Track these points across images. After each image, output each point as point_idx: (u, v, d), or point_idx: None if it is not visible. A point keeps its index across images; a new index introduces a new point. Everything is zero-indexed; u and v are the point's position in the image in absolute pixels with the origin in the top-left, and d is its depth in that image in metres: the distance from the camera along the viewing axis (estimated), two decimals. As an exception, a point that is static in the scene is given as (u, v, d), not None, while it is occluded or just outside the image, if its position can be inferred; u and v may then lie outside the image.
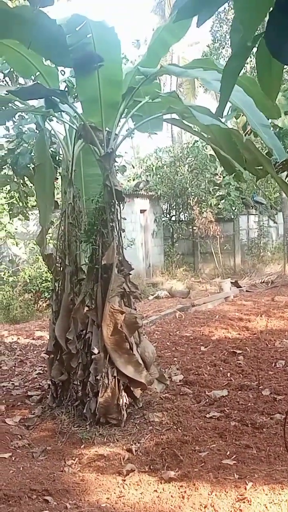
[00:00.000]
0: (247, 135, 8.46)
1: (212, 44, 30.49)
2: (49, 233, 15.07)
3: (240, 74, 2.45)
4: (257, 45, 2.14)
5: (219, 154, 6.61)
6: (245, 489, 4.59)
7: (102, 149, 6.44)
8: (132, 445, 5.73)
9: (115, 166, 6.73)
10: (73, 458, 5.50)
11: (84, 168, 7.60)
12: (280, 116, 6.74)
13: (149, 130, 7.81)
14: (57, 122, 7.55)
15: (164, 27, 6.29)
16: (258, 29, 1.99)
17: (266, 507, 4.25)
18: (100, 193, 6.50)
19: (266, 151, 7.84)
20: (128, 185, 22.69)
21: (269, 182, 23.90)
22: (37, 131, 7.70)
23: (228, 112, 7.98)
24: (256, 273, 21.31)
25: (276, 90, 2.59)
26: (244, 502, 4.37)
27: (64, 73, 8.01)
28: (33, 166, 8.13)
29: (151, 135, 8.23)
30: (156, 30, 6.44)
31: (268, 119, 5.78)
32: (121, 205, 6.50)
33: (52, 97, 6.22)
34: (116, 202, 6.39)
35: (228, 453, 5.38)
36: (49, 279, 15.91)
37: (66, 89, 7.68)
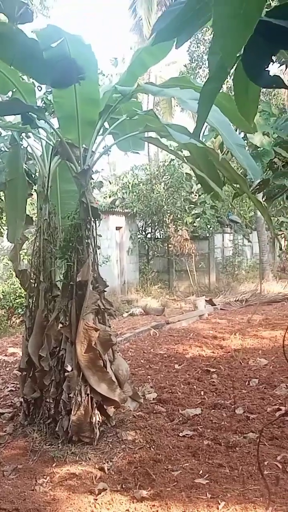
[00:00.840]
0: (224, 154, 8.55)
1: (189, 64, 30.86)
2: (24, 249, 15.02)
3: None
4: (234, 68, 2.16)
5: (196, 173, 6.66)
6: (218, 508, 4.57)
7: (79, 165, 6.44)
8: (104, 463, 5.67)
9: (91, 183, 6.73)
10: (45, 476, 5.43)
11: (60, 184, 7.59)
12: (257, 131, 6.82)
13: (130, 149, 7.83)
14: (34, 139, 7.54)
15: (144, 48, 6.36)
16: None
17: (238, 527, 4.24)
18: (76, 209, 6.48)
19: (241, 171, 7.92)
20: (104, 202, 22.73)
21: (244, 201, 24.11)
22: (10, 146, 7.67)
23: (204, 132, 8.05)
24: (231, 291, 21.40)
25: (253, 112, 2.62)
26: (216, 522, 4.35)
27: (41, 89, 8.02)
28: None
29: (133, 153, 8.26)
30: (136, 51, 6.51)
31: (245, 139, 5.86)
32: (97, 222, 6.50)
33: (29, 113, 6.22)
34: (92, 219, 6.39)
35: (201, 472, 5.36)
36: (23, 295, 15.80)
37: (43, 105, 7.69)
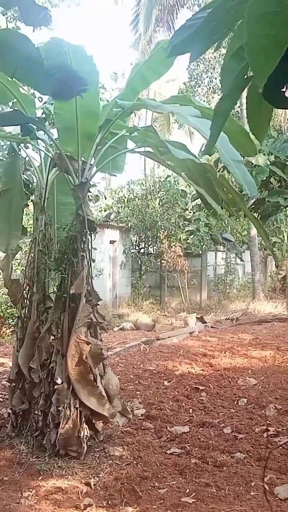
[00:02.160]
0: (220, 171, 8.60)
1: (188, 81, 31.07)
2: (17, 259, 14.98)
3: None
4: (248, 87, 2.19)
5: (196, 190, 6.69)
6: (204, 528, 4.54)
7: (77, 178, 6.46)
8: (91, 478, 5.63)
9: (88, 196, 6.75)
10: (30, 489, 5.38)
11: (57, 196, 7.60)
12: (256, 154, 6.87)
13: (109, 170, 7.84)
14: (33, 149, 7.56)
15: (145, 63, 6.40)
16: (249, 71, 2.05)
17: None
18: (72, 222, 6.49)
19: (238, 188, 7.97)
20: (99, 216, 22.76)
21: (238, 220, 24.19)
22: (8, 156, 7.67)
23: (201, 149, 8.11)
24: (222, 309, 21.40)
25: (264, 131, 2.65)
26: None
27: (42, 99, 8.05)
28: None
29: (110, 175, 8.32)
30: (136, 65, 6.56)
31: (243, 157, 5.89)
32: (92, 235, 6.50)
33: (29, 124, 6.24)
34: (88, 232, 6.40)
35: (188, 490, 5.33)
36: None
37: (43, 115, 7.71)
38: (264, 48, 1.70)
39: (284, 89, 2.12)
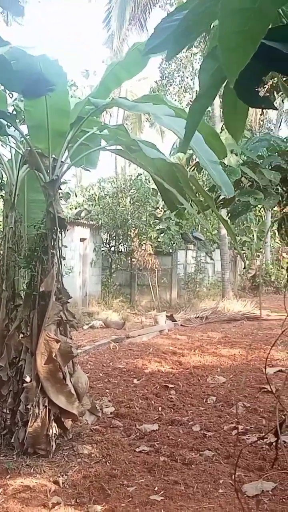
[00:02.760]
0: (190, 171, 8.62)
1: (160, 80, 31.11)
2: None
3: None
4: (223, 86, 2.20)
5: (162, 191, 6.71)
6: (172, 526, 4.56)
7: (48, 175, 6.42)
8: (59, 477, 5.61)
9: (59, 193, 6.71)
10: (-2, 488, 5.35)
11: (27, 193, 7.53)
12: (226, 156, 6.89)
13: (83, 165, 7.81)
14: (2, 145, 7.49)
15: (119, 63, 6.40)
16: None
17: None
18: (42, 219, 6.45)
19: (207, 188, 8.02)
20: (69, 213, 22.65)
21: (208, 219, 24.31)
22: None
23: (174, 146, 8.12)
24: (191, 308, 21.48)
25: (241, 130, 2.67)
26: (170, 540, 4.34)
27: (12, 95, 7.98)
28: None
29: (84, 170, 8.27)
30: (110, 65, 6.56)
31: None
32: (63, 232, 6.48)
33: (0, 119, 6.18)
34: (58, 230, 6.36)
35: (156, 488, 5.35)
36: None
37: (14, 112, 7.64)
38: (237, 45, 1.70)
39: (258, 88, 2.13)
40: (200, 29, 2.19)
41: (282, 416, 5.81)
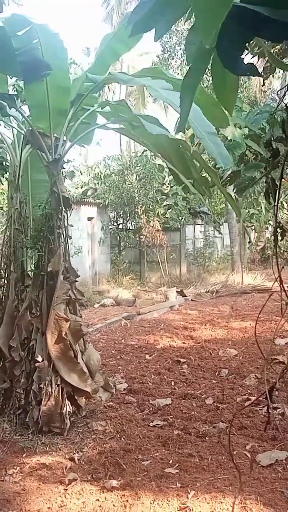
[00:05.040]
0: (195, 147, 8.57)
1: (161, 54, 30.81)
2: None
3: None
4: (211, 59, 2.16)
5: (167, 165, 6.66)
6: (187, 497, 4.60)
7: (50, 155, 6.40)
8: (74, 454, 5.67)
9: (62, 173, 6.69)
10: (15, 467, 5.41)
11: (31, 173, 7.52)
12: (229, 125, 6.83)
13: (78, 142, 7.76)
14: (5, 126, 7.45)
15: (114, 36, 6.29)
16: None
17: (207, 516, 4.27)
18: (47, 199, 6.44)
19: (212, 162, 7.95)
20: (76, 192, 22.61)
21: (215, 193, 24.20)
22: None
23: (176, 123, 8.05)
24: (201, 282, 21.49)
25: (232, 102, 2.63)
26: (186, 511, 4.38)
27: (12, 76, 7.92)
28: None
29: (80, 146, 8.19)
30: (105, 38, 6.44)
31: (218, 129, 5.85)
32: (68, 211, 6.47)
33: (0, 101, 6.15)
34: (63, 209, 6.35)
35: (171, 461, 5.39)
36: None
37: (15, 92, 7.60)
38: (211, 4, 1.65)
39: (243, 56, 2.09)
40: (185, 4, 2.13)
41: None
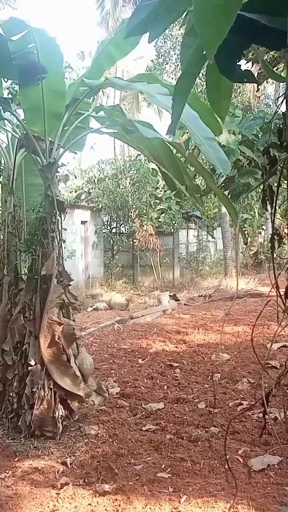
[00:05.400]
0: (190, 151, 8.59)
1: (156, 59, 30.87)
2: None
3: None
4: (206, 64, 2.17)
5: (162, 171, 6.68)
6: (179, 502, 4.61)
7: (45, 159, 6.40)
8: (67, 458, 5.67)
9: (57, 176, 6.70)
10: (7, 471, 5.40)
11: (25, 177, 7.53)
12: (222, 133, 6.85)
13: (70, 148, 7.75)
14: (-1, 130, 7.46)
15: (111, 41, 6.32)
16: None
17: (199, 520, 4.27)
18: (41, 203, 6.45)
19: (208, 166, 7.97)
20: (69, 196, 22.59)
21: (208, 197, 24.24)
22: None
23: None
24: (194, 286, 21.52)
25: (225, 109, 2.64)
26: (178, 515, 4.39)
27: (7, 80, 7.92)
28: None
29: (71, 152, 8.19)
30: (102, 43, 6.47)
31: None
32: (62, 215, 6.47)
33: (-5, 104, 6.16)
34: (57, 213, 6.36)
35: (163, 466, 5.40)
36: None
37: (10, 96, 7.60)
38: (213, 18, 1.67)
39: (239, 63, 2.11)
40: (181, 7, 2.16)
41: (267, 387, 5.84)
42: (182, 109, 2.38)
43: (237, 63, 2.09)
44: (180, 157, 6.95)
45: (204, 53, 2.00)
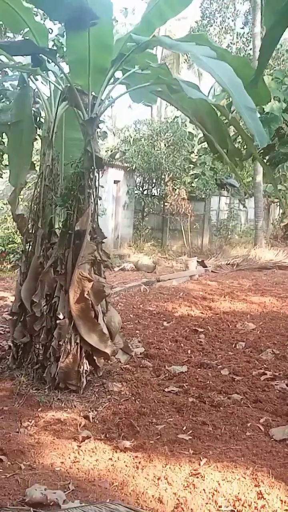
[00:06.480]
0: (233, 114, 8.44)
1: (200, 20, 30.25)
2: (20, 195, 14.93)
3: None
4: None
5: (203, 131, 6.57)
6: (199, 464, 4.63)
7: (86, 113, 6.32)
8: (89, 412, 5.73)
9: (97, 132, 6.63)
10: (30, 420, 5.48)
11: (65, 131, 7.44)
12: (270, 101, 6.70)
13: (143, 100, 7.64)
14: (42, 82, 7.36)
15: (163, -2, 6.14)
16: None
17: (218, 484, 4.28)
18: (80, 158, 6.39)
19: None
20: (104, 155, 22.51)
21: (244, 166, 23.95)
22: (19, 88, 7.47)
23: (215, 92, 7.93)
24: (223, 254, 21.44)
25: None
26: (197, 477, 4.40)
27: (52, 31, 7.80)
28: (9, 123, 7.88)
29: (145, 106, 8.09)
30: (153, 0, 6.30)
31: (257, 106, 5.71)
32: (100, 172, 6.43)
33: (40, 55, 6.07)
34: (95, 169, 6.31)
35: (185, 428, 5.43)
36: (16, 240, 15.75)
37: (54, 47, 7.50)
38: None
39: None
40: None
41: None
42: (268, 60, 2.33)
43: None
44: (224, 120, 6.83)
45: None
